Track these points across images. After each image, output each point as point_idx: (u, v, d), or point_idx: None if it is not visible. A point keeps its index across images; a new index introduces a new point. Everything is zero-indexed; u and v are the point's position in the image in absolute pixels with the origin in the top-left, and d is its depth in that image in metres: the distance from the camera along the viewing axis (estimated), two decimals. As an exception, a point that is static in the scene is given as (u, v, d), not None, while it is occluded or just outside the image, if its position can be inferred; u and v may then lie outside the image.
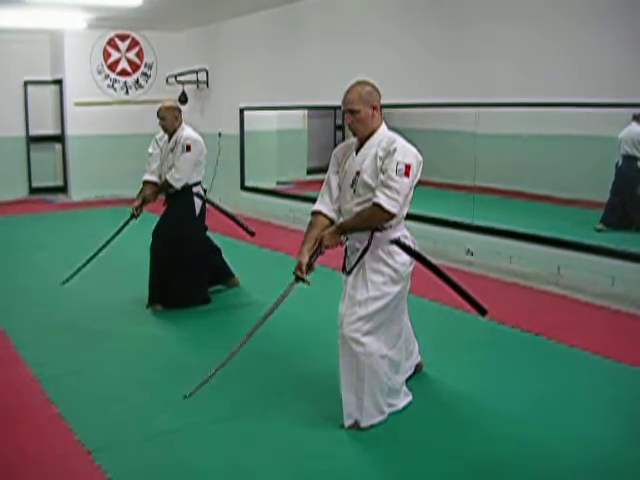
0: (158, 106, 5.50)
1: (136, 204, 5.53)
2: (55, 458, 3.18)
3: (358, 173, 3.40)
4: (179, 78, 11.20)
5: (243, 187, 10.40)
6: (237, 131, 10.33)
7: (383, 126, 3.46)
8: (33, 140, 11.50)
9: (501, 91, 6.28)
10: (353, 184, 3.43)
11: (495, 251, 6.55)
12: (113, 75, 11.48)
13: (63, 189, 11.84)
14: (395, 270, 3.40)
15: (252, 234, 5.67)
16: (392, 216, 3.30)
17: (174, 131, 5.43)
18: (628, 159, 7.13)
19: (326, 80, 8.18)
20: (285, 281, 3.53)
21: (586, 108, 5.66)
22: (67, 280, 5.89)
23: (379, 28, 7.62)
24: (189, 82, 11.17)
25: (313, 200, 3.65)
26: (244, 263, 6.46)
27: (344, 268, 3.56)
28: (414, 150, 3.37)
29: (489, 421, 3.52)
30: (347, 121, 3.42)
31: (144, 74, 11.73)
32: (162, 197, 5.60)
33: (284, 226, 9.10)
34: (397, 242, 3.43)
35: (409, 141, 3.42)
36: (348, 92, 3.40)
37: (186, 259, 5.42)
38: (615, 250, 5.64)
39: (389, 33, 7.50)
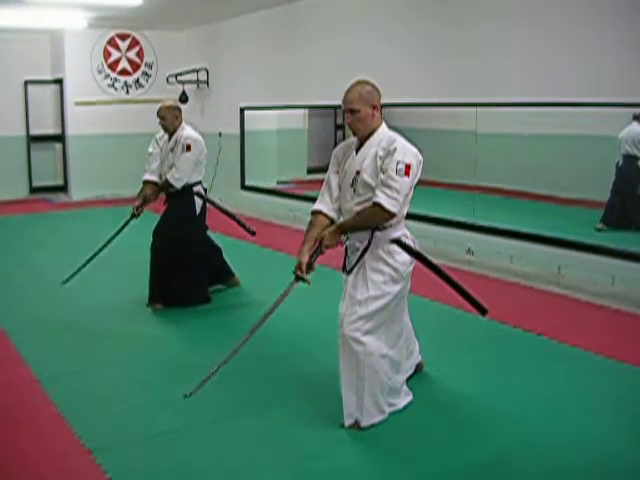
0: (158, 105, 5.50)
1: (136, 203, 5.53)
2: (55, 458, 3.18)
3: (358, 173, 3.40)
4: (179, 78, 11.20)
5: (243, 187, 10.40)
6: (237, 131, 10.33)
7: (383, 125, 3.46)
8: (33, 139, 11.51)
9: (502, 91, 6.28)
10: (353, 184, 3.43)
11: (495, 251, 6.55)
12: (113, 74, 11.48)
13: (63, 188, 11.85)
14: (395, 269, 3.39)
15: (253, 233, 5.67)
16: (392, 215, 3.30)
17: (174, 131, 5.43)
18: (628, 159, 7.13)
19: (326, 79, 8.17)
20: (285, 280, 3.53)
21: (587, 108, 5.65)
22: (67, 280, 5.88)
23: (379, 27, 7.61)
24: (189, 82, 11.17)
25: (313, 199, 3.64)
26: (244, 262, 6.46)
27: (344, 267, 3.56)
28: (414, 149, 3.37)
29: (489, 421, 3.52)
30: (347, 120, 3.42)
31: (144, 73, 11.73)
32: (162, 196, 5.60)
33: (284, 225, 9.10)
34: (397, 241, 3.43)
35: (409, 140, 3.42)
36: (348, 91, 3.40)
37: (186, 258, 5.42)
38: (615, 250, 5.64)
39: (389, 32, 7.50)
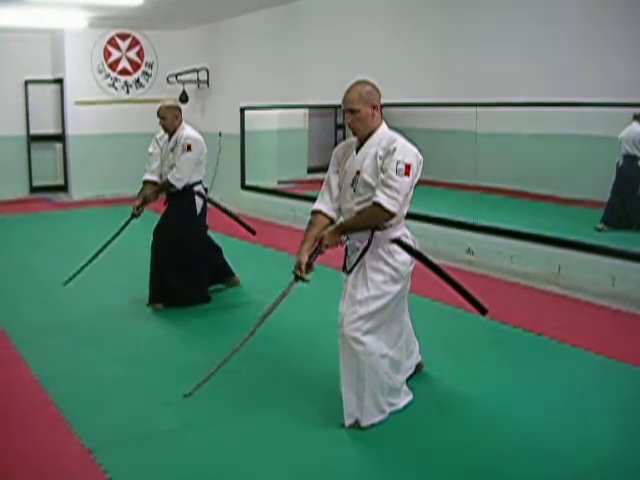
0: (158, 105, 5.49)
1: (137, 203, 5.53)
2: (55, 458, 3.18)
3: (358, 172, 3.40)
4: (180, 77, 11.19)
5: (244, 186, 10.40)
6: (238, 130, 10.32)
7: (383, 125, 3.46)
8: (34, 139, 11.50)
9: (502, 90, 6.28)
10: (353, 183, 3.43)
11: (496, 251, 6.55)
12: (114, 74, 11.48)
13: (64, 188, 11.84)
14: (395, 269, 3.39)
15: (253, 233, 5.67)
16: (392, 215, 3.30)
17: (174, 130, 5.43)
18: (629, 159, 7.13)
19: (327, 79, 8.16)
20: (285, 280, 3.53)
21: (588, 107, 5.65)
22: (69, 280, 5.88)
23: (380, 27, 7.61)
24: (190, 81, 11.16)
25: (314, 199, 3.64)
26: (244, 262, 6.46)
27: (344, 267, 3.56)
28: (414, 149, 3.37)
29: (490, 421, 3.52)
30: (347, 120, 3.42)
31: (145, 73, 11.73)
32: (163, 196, 5.60)
33: (285, 225, 9.10)
34: (397, 241, 3.43)
35: (409, 140, 3.42)
36: (348, 91, 3.40)
37: (186, 258, 5.42)
38: (616, 250, 5.63)
39: (390, 32, 7.49)
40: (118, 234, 5.76)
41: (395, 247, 3.42)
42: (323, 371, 4.03)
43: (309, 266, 3.43)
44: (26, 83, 11.30)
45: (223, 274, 5.92)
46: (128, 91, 11.64)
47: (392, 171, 3.26)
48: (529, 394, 3.82)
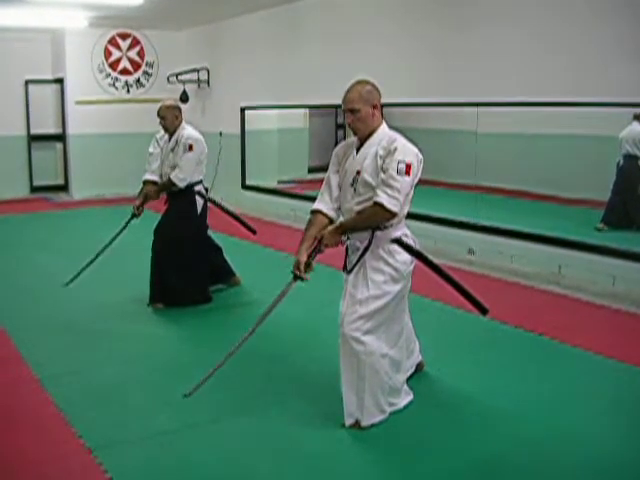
0: (159, 105, 5.49)
1: (137, 203, 5.53)
2: (55, 457, 3.18)
3: (359, 172, 3.40)
4: (180, 77, 11.20)
5: (244, 186, 10.40)
6: (238, 130, 10.32)
7: (383, 125, 3.46)
8: (34, 139, 11.50)
9: (502, 90, 6.27)
10: (354, 183, 3.42)
11: (496, 251, 6.55)
12: (114, 74, 11.48)
13: (64, 188, 11.85)
14: (396, 269, 3.39)
15: (254, 232, 5.67)
16: (393, 215, 3.30)
17: (174, 130, 5.43)
18: (629, 158, 7.12)
19: (327, 79, 8.17)
20: (286, 280, 3.53)
21: (588, 107, 5.64)
22: (70, 281, 5.89)
23: (379, 27, 7.61)
24: (190, 81, 11.17)
25: (314, 199, 3.64)
26: (245, 262, 6.45)
27: (345, 267, 3.56)
28: (414, 149, 3.37)
29: (490, 421, 3.51)
30: (347, 120, 3.42)
31: (145, 73, 11.73)
32: (163, 196, 5.60)
33: (285, 225, 9.10)
34: (398, 241, 3.42)
35: (410, 140, 3.42)
36: (348, 91, 3.39)
37: (187, 258, 5.42)
38: (616, 249, 5.63)
39: (390, 32, 7.49)
40: (119, 234, 5.77)
41: (395, 247, 3.41)
42: (323, 371, 4.03)
43: (308, 265, 3.43)
44: (26, 83, 11.30)
45: (224, 274, 5.92)
46: (129, 91, 11.64)
47: (393, 171, 3.26)
48: (529, 394, 3.82)
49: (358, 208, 3.41)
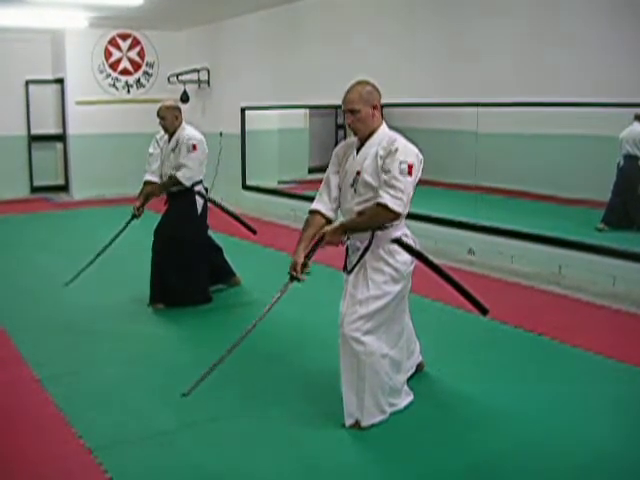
0: (158, 105, 5.49)
1: (137, 204, 5.53)
2: (55, 458, 3.18)
3: (359, 173, 3.40)
4: (180, 77, 11.20)
5: (244, 186, 10.40)
6: (238, 130, 10.32)
7: (384, 125, 3.46)
8: (34, 139, 11.51)
9: (502, 90, 6.27)
10: (354, 184, 3.42)
11: (497, 251, 6.55)
12: (114, 74, 11.48)
13: (64, 188, 11.85)
14: (396, 269, 3.39)
15: (254, 233, 5.67)
16: (397, 215, 3.30)
17: (174, 131, 5.43)
18: (629, 159, 7.12)
19: (327, 79, 8.17)
20: (286, 280, 3.53)
21: (589, 108, 5.64)
22: (70, 281, 5.89)
23: (380, 26, 7.61)
24: (190, 81, 11.17)
25: (314, 199, 3.63)
26: (245, 262, 6.45)
27: (345, 267, 3.56)
28: (415, 149, 3.37)
29: (490, 421, 3.51)
30: (347, 121, 3.42)
31: (145, 73, 11.73)
32: (164, 196, 5.59)
33: (285, 225, 9.10)
34: (398, 241, 3.42)
35: (410, 140, 3.42)
36: (348, 92, 3.39)
37: (187, 258, 5.42)
38: (616, 250, 5.63)
39: (390, 32, 7.49)
40: (119, 235, 5.77)
41: (396, 247, 3.41)
42: (323, 371, 4.03)
43: (304, 266, 3.43)
44: (27, 83, 11.31)
45: (224, 274, 5.92)
46: (129, 91, 11.64)
47: (395, 171, 3.25)
48: (529, 394, 3.82)
49: (358, 208, 3.41)
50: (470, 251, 6.81)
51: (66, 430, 3.41)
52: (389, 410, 3.49)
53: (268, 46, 9.61)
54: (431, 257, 3.53)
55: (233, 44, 10.42)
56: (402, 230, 3.47)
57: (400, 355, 3.57)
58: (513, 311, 5.26)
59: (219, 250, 5.90)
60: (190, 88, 11.20)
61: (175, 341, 4.81)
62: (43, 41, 11.35)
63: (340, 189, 3.54)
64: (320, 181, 3.67)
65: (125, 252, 6.59)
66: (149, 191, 5.49)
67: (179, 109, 5.47)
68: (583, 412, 3.60)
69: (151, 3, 8.57)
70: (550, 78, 5.90)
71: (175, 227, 5.45)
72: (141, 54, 11.67)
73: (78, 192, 11.48)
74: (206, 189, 5.59)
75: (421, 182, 3.46)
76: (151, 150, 5.57)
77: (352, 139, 3.57)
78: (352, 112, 3.37)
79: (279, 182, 10.54)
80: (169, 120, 5.38)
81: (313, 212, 3.55)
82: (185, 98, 10.91)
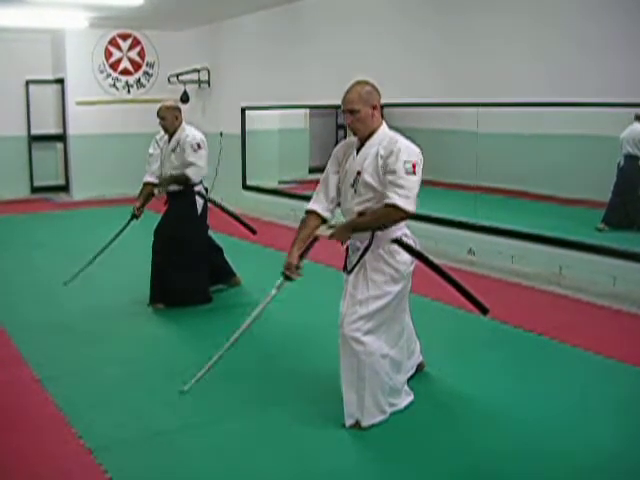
0: (158, 106, 5.49)
1: (137, 204, 5.53)
2: (55, 458, 3.18)
3: (359, 173, 3.39)
4: (181, 77, 11.20)
5: (245, 186, 10.40)
6: (239, 130, 10.33)
7: (383, 125, 3.45)
8: (35, 139, 11.51)
9: (503, 90, 6.27)
10: (354, 184, 3.42)
11: (497, 251, 6.54)
12: (115, 74, 11.49)
13: (65, 188, 11.86)
14: (396, 269, 3.39)
15: (254, 233, 5.66)
16: (408, 214, 3.29)
17: (174, 131, 5.43)
18: (630, 159, 7.12)
19: (327, 79, 8.17)
20: (280, 279, 3.54)
21: (589, 108, 5.64)
22: (70, 281, 5.89)
23: (380, 27, 7.61)
24: (191, 81, 11.17)
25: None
26: (245, 262, 6.45)
27: (345, 267, 3.55)
28: (417, 148, 3.37)
29: (490, 420, 3.51)
30: (347, 121, 3.42)
31: (146, 73, 11.74)
32: (164, 196, 5.59)
33: (285, 225, 9.09)
34: (398, 241, 3.42)
35: (410, 140, 3.42)
36: (348, 92, 3.39)
37: (187, 258, 5.42)
38: (617, 250, 5.63)
39: (390, 33, 7.49)
40: (118, 235, 5.77)
41: (396, 247, 3.41)
42: (323, 371, 4.03)
43: (297, 267, 3.44)
44: (27, 83, 11.32)
45: (224, 274, 5.92)
46: (129, 91, 11.65)
47: (401, 171, 3.25)
48: (529, 394, 3.82)
49: (358, 208, 3.40)
50: (470, 251, 6.81)
51: (66, 430, 3.41)
52: (389, 410, 3.49)
53: (268, 46, 9.61)
54: (431, 257, 3.53)
55: (233, 44, 10.42)
56: (402, 230, 3.46)
57: (400, 355, 3.57)
58: (513, 311, 5.26)
59: (219, 250, 5.90)
60: (190, 88, 11.20)
61: (175, 341, 4.81)
62: (43, 41, 11.36)
63: (339, 189, 3.54)
64: (320, 181, 3.67)
65: (125, 252, 6.59)
66: (165, 178, 5.45)
67: (179, 109, 5.47)
68: (583, 412, 3.60)
69: (151, 3, 8.57)
70: (550, 78, 5.90)
71: (175, 227, 5.45)
72: (141, 54, 11.67)
73: (78, 192, 11.49)
74: (206, 189, 5.59)
75: (421, 182, 3.45)
76: (151, 151, 5.57)
77: (352, 139, 3.57)
78: (351, 112, 3.36)
79: (279, 182, 10.54)
80: (169, 120, 5.38)
81: (309, 212, 3.55)
82: (185, 98, 10.91)
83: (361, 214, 3.39)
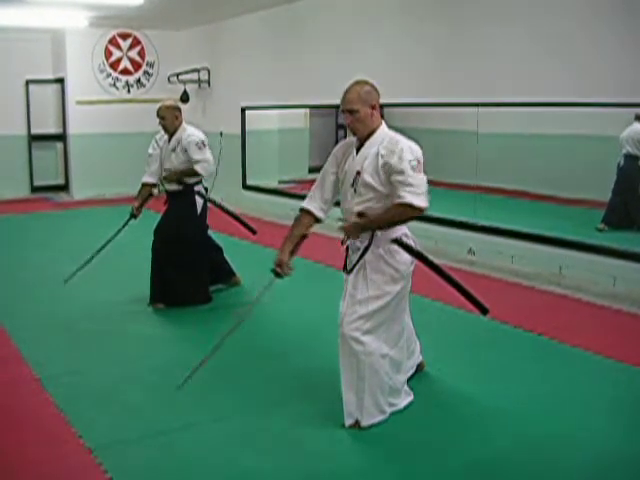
0: (158, 105, 5.49)
1: (136, 204, 5.53)
2: (55, 457, 3.18)
3: (359, 173, 3.39)
4: (181, 77, 11.21)
5: (245, 186, 10.40)
6: (239, 130, 10.33)
7: (383, 125, 3.45)
8: (35, 139, 11.50)
9: (502, 91, 6.27)
10: (354, 184, 3.42)
11: (497, 251, 6.54)
12: (115, 74, 11.48)
13: (65, 188, 11.85)
14: (396, 269, 3.39)
15: (254, 232, 5.66)
16: (422, 211, 3.29)
17: (174, 131, 5.42)
18: (630, 159, 7.12)
19: (327, 79, 8.17)
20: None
21: (588, 108, 5.64)
22: (69, 279, 5.89)
23: (380, 26, 7.61)
24: (191, 81, 11.17)
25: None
26: (245, 262, 6.44)
27: (345, 267, 3.55)
28: (418, 148, 3.37)
29: (490, 421, 3.51)
30: (346, 121, 3.42)
31: (146, 73, 11.73)
32: (163, 196, 5.59)
33: (285, 225, 9.06)
34: (398, 241, 3.42)
35: (410, 140, 3.42)
36: (347, 92, 3.39)
37: (187, 258, 5.42)
38: (617, 250, 5.63)
39: (390, 31, 7.49)
40: (117, 234, 5.77)
41: (396, 247, 3.41)
42: (323, 371, 4.03)
43: (287, 264, 3.46)
44: (27, 83, 11.30)
45: (224, 274, 5.92)
46: (129, 91, 11.65)
47: (408, 170, 3.25)
48: (529, 394, 3.82)
49: (358, 208, 3.40)
50: (470, 251, 6.81)
51: (66, 430, 3.41)
52: (389, 410, 3.49)
53: (268, 46, 9.61)
54: (431, 257, 3.53)
55: (233, 44, 10.42)
56: (402, 230, 3.47)
57: (400, 355, 3.57)
58: (513, 311, 5.26)
59: (219, 250, 5.90)
60: (190, 88, 11.20)
61: (175, 341, 4.81)
62: (43, 41, 11.34)
63: (337, 189, 3.54)
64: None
65: (125, 252, 6.60)
66: (169, 174, 5.43)
67: (179, 109, 5.46)
68: (582, 412, 3.60)
69: (151, 3, 8.57)
70: (550, 78, 5.89)
71: (175, 227, 5.45)
72: (141, 54, 11.67)
73: (78, 192, 11.49)
74: (206, 189, 5.59)
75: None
76: (150, 151, 5.56)
77: (351, 139, 3.56)
78: (351, 112, 3.36)
79: (279, 182, 10.54)
80: (169, 120, 5.38)
81: (304, 211, 3.55)
82: (185, 98, 10.92)
83: (361, 214, 3.39)
